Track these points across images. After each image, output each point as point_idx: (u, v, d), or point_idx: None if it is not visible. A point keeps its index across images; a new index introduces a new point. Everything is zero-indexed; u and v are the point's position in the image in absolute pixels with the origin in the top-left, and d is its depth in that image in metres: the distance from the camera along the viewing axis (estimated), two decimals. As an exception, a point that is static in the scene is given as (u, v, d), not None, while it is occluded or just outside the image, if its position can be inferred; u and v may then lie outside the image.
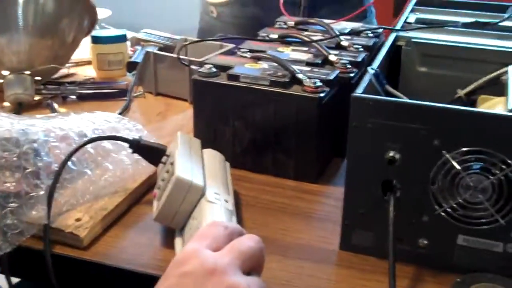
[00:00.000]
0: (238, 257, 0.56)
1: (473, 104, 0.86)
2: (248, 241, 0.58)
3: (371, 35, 1.11)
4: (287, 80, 0.90)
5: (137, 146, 0.85)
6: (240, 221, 0.81)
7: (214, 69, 0.95)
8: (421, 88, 0.91)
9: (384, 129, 0.69)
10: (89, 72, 1.33)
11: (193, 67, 0.96)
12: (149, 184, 0.89)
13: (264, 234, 0.79)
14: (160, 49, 1.34)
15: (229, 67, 0.95)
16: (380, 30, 1.14)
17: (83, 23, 1.24)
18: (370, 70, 0.76)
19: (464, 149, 0.67)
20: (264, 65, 0.96)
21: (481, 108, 0.82)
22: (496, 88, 0.85)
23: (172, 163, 0.79)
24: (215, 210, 0.73)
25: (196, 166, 0.80)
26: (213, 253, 0.56)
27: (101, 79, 1.29)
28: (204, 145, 0.92)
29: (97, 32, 1.31)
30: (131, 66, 1.27)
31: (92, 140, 0.85)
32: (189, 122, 0.99)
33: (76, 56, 1.34)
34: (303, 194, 0.89)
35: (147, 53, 1.19)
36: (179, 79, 1.15)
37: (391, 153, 0.69)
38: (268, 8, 1.45)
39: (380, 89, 0.76)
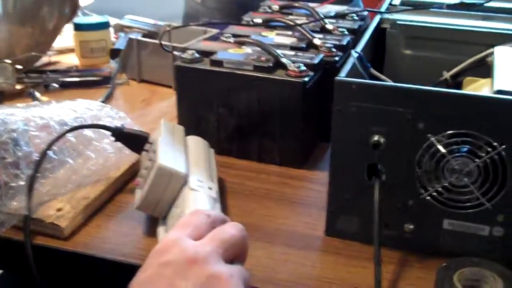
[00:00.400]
0: (220, 245, 0.54)
1: (459, 86, 0.85)
2: (231, 229, 0.57)
3: (356, 18, 1.10)
4: (271, 64, 0.88)
5: (120, 134, 0.84)
6: (224, 208, 0.80)
7: (197, 55, 0.93)
8: (406, 71, 0.90)
9: (368, 113, 0.68)
10: (72, 60, 1.31)
11: (175, 53, 0.94)
12: (132, 172, 0.88)
13: (248, 220, 0.78)
14: (144, 35, 1.32)
15: (212, 53, 0.94)
16: (365, 13, 1.12)
17: (64, 10, 1.22)
18: (354, 54, 0.75)
19: (449, 132, 0.66)
20: (247, 50, 0.94)
21: (466, 90, 0.81)
22: (482, 69, 0.84)
23: (154, 151, 0.78)
24: (198, 198, 0.72)
25: (178, 153, 0.79)
26: (194, 242, 0.54)
27: (84, 67, 1.27)
28: (188, 132, 0.91)
29: (79, 19, 1.29)
30: (115, 53, 1.25)
31: (73, 129, 0.83)
32: (173, 109, 0.98)
33: (59, 43, 1.32)
34: (288, 180, 0.88)
35: (130, 39, 1.17)
36: (163, 65, 1.14)
37: (376, 137, 0.68)
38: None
39: (364, 72, 0.75)
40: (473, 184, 0.66)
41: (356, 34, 1.04)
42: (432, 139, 0.66)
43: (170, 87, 1.15)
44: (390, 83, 0.68)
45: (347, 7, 1.16)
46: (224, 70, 0.90)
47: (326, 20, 1.05)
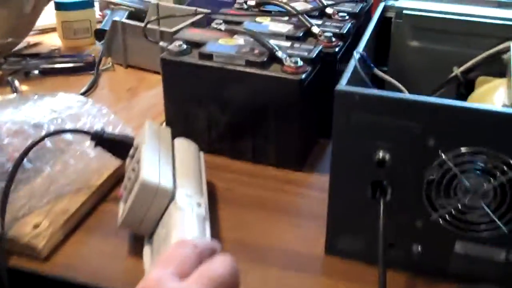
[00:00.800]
0: (207, 285, 0.48)
1: (471, 84, 0.78)
2: (220, 267, 0.50)
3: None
4: (265, 59, 0.81)
5: (100, 139, 0.77)
6: (215, 220, 0.74)
7: (184, 46, 0.86)
8: (413, 64, 0.83)
9: (372, 126, 0.61)
10: (54, 41, 1.23)
11: (162, 44, 0.87)
12: (117, 177, 0.82)
13: (241, 236, 0.72)
14: (131, 13, 1.24)
15: (202, 44, 0.86)
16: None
17: (44, -12, 1.14)
18: (356, 54, 0.67)
19: (463, 149, 0.59)
20: (240, 40, 0.87)
21: (479, 91, 0.74)
22: (496, 65, 0.76)
23: (138, 161, 0.71)
24: (186, 219, 0.65)
25: (164, 163, 0.72)
26: (179, 284, 0.48)
27: (67, 49, 1.19)
28: (176, 130, 0.84)
29: (61, -4, 1.20)
30: (100, 34, 1.17)
31: (49, 134, 0.77)
32: (161, 100, 0.91)
33: (41, 22, 1.24)
34: (285, 186, 0.82)
35: (114, 22, 1.09)
36: (150, 50, 1.06)
37: (381, 153, 0.62)
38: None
39: (367, 76, 0.67)
40: (488, 206, 0.60)
41: (358, 18, 0.96)
42: (444, 156, 0.60)
43: (158, 73, 1.07)
44: (396, 94, 0.60)
45: (347, -15, 1.07)
46: (214, 64, 0.83)
47: (325, 2, 0.97)
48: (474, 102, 0.73)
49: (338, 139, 0.63)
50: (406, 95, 0.60)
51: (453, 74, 0.79)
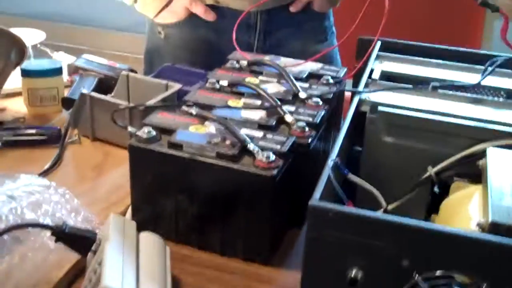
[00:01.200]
0: None
1: (445, 185, 0.76)
2: None
3: (331, 81, 1.00)
4: (236, 152, 0.79)
5: (62, 234, 0.74)
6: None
7: (154, 133, 0.83)
8: (387, 160, 0.81)
9: (346, 245, 0.59)
10: (20, 107, 1.19)
11: (130, 129, 0.84)
12: (78, 269, 0.78)
13: None
14: (100, 80, 1.22)
15: (171, 131, 0.84)
16: (341, 74, 1.03)
17: (10, 55, 1.11)
18: (330, 163, 0.66)
19: (438, 272, 0.57)
20: (211, 127, 0.84)
21: (454, 198, 0.73)
22: (471, 166, 0.75)
23: (100, 263, 0.68)
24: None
25: (128, 264, 0.69)
26: None
27: (32, 117, 1.16)
28: (142, 218, 0.83)
29: (28, 64, 1.17)
30: (67, 102, 1.14)
31: (6, 231, 0.73)
32: (128, 180, 0.87)
33: (7, 85, 1.20)
34: (252, 283, 0.79)
35: (83, 94, 1.06)
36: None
37: (354, 271, 0.60)
38: (221, 31, 1.33)
39: (339, 185, 0.65)
40: (464, 331, 0.58)
41: (331, 104, 0.94)
42: (418, 279, 0.58)
43: (126, 148, 1.04)
44: (372, 214, 0.58)
45: (321, 65, 1.06)
46: (183, 155, 0.80)
47: (299, 87, 0.96)
48: (449, 209, 0.72)
49: (310, 254, 0.61)
50: (381, 216, 0.58)
51: (427, 174, 0.77)
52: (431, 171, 0.77)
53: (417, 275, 0.58)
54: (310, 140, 0.84)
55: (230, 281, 0.79)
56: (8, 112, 1.17)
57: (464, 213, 0.67)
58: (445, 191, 0.77)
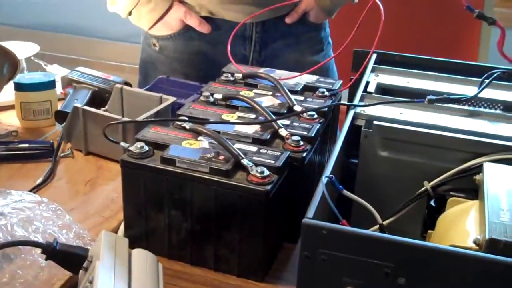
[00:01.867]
0: None
1: (442, 200, 0.75)
2: None
3: (327, 94, 1.00)
4: (230, 167, 0.78)
5: (53, 252, 0.72)
6: None
7: (146, 148, 0.82)
8: (382, 174, 0.80)
9: (340, 263, 0.58)
10: (12, 120, 1.18)
11: (122, 144, 0.83)
12: (70, 287, 0.77)
13: None
14: (94, 93, 1.21)
15: (164, 145, 0.83)
16: (336, 86, 1.02)
17: (2, 70, 1.09)
18: (324, 179, 0.64)
19: (435, 290, 0.56)
20: (204, 142, 0.83)
21: (451, 212, 0.71)
22: (468, 182, 0.74)
23: (91, 282, 0.67)
24: None
25: (119, 283, 0.68)
26: None
27: (25, 131, 1.15)
28: (135, 233, 0.81)
29: (21, 78, 1.16)
30: (60, 116, 1.13)
31: (-4, 248, 0.71)
32: (120, 194, 0.86)
33: (0, 98, 1.19)
34: (246, 301, 0.78)
35: (76, 108, 1.05)
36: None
37: (349, 290, 0.58)
38: (216, 43, 1.32)
39: (333, 203, 0.64)
40: None
41: (326, 117, 0.94)
42: (415, 297, 0.57)
43: (119, 162, 1.03)
44: (367, 232, 0.57)
45: (317, 77, 1.06)
46: (176, 170, 0.79)
47: (294, 100, 0.95)
48: (445, 224, 0.70)
49: (304, 272, 0.60)
50: (376, 234, 0.57)
51: (423, 188, 0.76)
52: (427, 185, 0.76)
53: (413, 294, 0.57)
54: (304, 154, 0.83)
55: (224, 298, 0.78)
56: (1, 126, 1.16)
57: (460, 229, 0.66)
58: (441, 206, 0.76)
